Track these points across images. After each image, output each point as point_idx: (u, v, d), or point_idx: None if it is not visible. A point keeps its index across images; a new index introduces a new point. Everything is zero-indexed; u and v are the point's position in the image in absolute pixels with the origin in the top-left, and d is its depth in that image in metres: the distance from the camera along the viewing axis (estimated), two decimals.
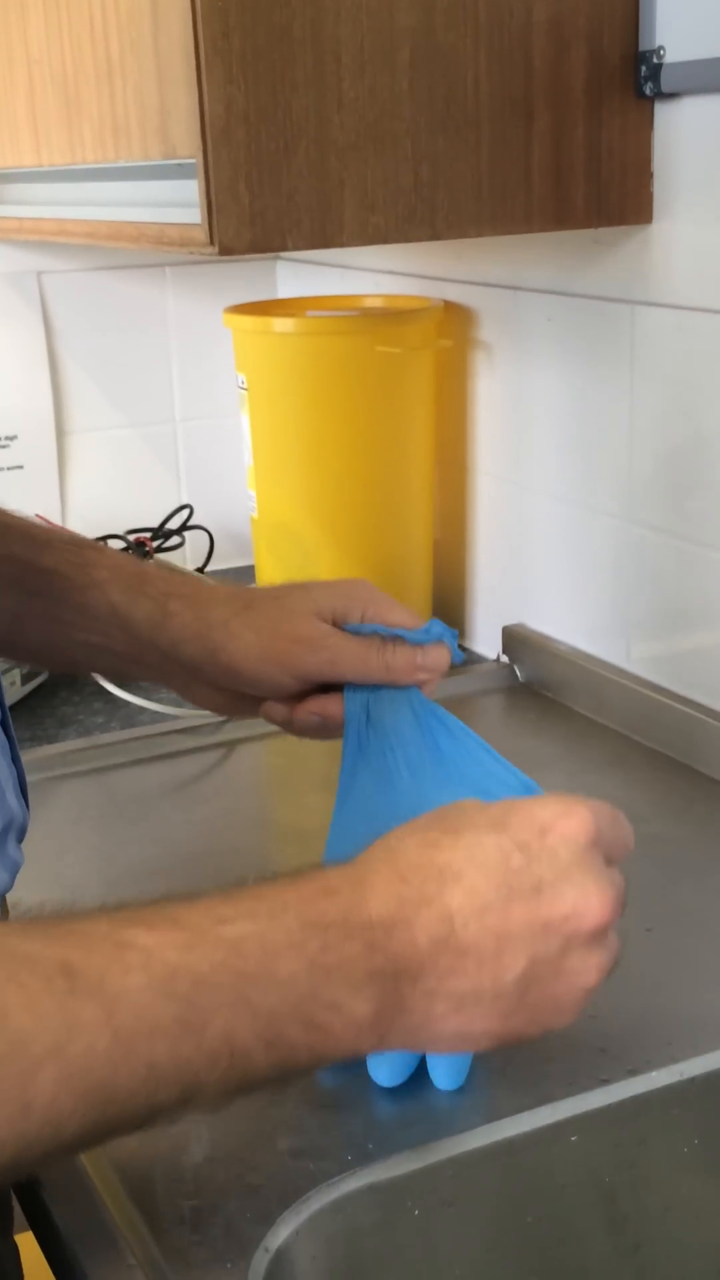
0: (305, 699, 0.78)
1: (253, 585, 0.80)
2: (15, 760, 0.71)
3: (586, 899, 0.57)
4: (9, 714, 0.71)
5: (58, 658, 0.81)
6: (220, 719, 1.18)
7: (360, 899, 0.54)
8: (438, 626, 0.78)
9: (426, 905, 0.55)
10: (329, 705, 0.78)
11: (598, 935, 0.57)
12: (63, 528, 0.83)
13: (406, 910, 0.55)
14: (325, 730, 0.79)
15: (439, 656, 0.78)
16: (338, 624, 0.77)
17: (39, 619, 0.79)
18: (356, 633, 0.77)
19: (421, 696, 0.78)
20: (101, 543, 0.81)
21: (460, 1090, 0.70)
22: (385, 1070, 0.71)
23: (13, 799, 0.68)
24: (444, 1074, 0.71)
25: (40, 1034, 0.46)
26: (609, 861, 0.60)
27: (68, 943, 0.49)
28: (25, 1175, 0.49)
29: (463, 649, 1.36)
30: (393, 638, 0.76)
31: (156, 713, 1.19)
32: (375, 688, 0.77)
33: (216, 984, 0.50)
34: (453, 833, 0.58)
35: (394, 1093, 0.71)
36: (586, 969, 0.57)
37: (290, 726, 0.80)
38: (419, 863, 0.56)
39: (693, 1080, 0.71)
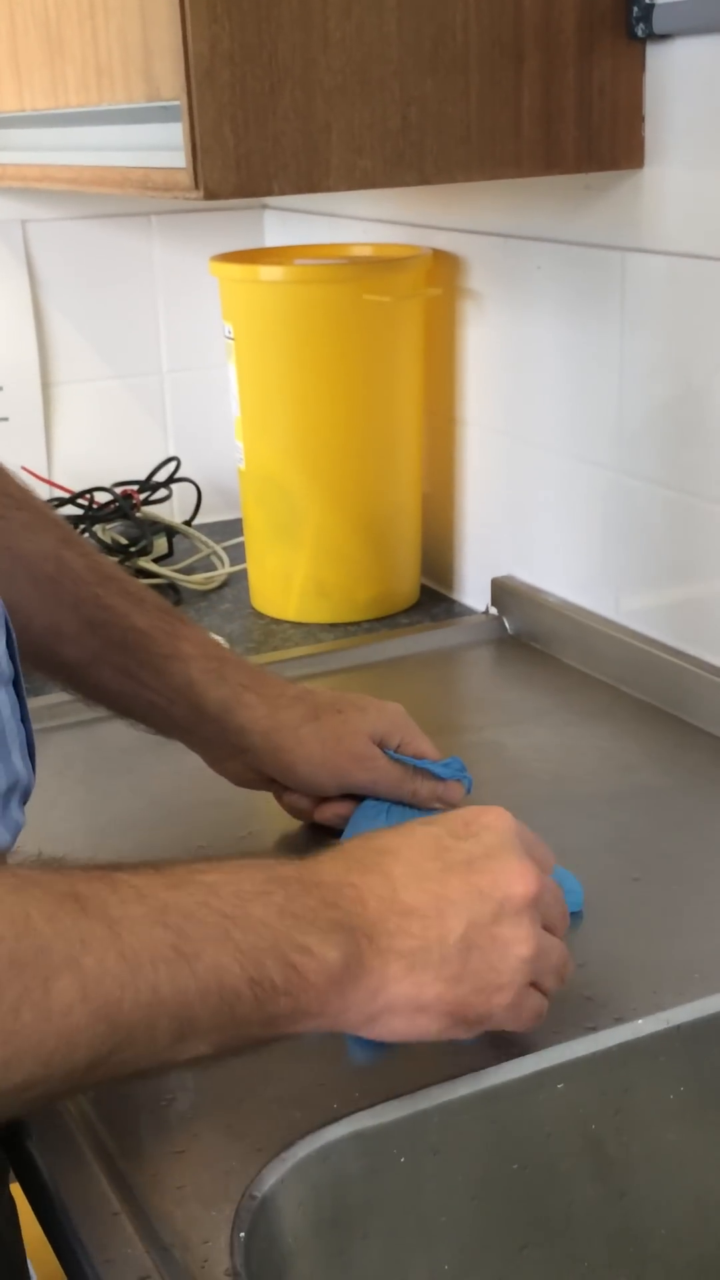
0: (330, 801, 0.88)
1: (309, 687, 0.90)
2: (25, 720, 0.71)
3: (512, 871, 0.62)
4: (21, 673, 0.71)
5: (115, 704, 0.87)
6: None
7: (310, 868, 0.60)
8: (457, 763, 0.89)
9: (369, 872, 0.60)
10: (345, 812, 0.88)
11: (526, 905, 0.62)
12: (154, 592, 0.89)
13: (352, 875, 0.60)
14: (341, 825, 0.88)
15: (455, 792, 0.88)
16: (381, 747, 0.86)
17: (113, 668, 0.84)
18: (393, 759, 0.87)
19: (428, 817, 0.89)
20: (183, 617, 0.90)
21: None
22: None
23: (18, 760, 0.68)
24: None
25: (58, 944, 0.49)
26: (530, 854, 0.64)
27: (71, 876, 0.52)
28: (36, 1108, 0.53)
29: (451, 600, 1.36)
30: (422, 769, 0.87)
31: None
32: (395, 803, 0.88)
33: (202, 919, 0.53)
34: (388, 830, 0.64)
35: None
36: (518, 938, 0.61)
37: (305, 817, 0.90)
38: (359, 845, 0.63)
39: (679, 1028, 0.71)
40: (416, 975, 0.58)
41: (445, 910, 0.59)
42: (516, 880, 0.61)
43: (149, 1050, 0.52)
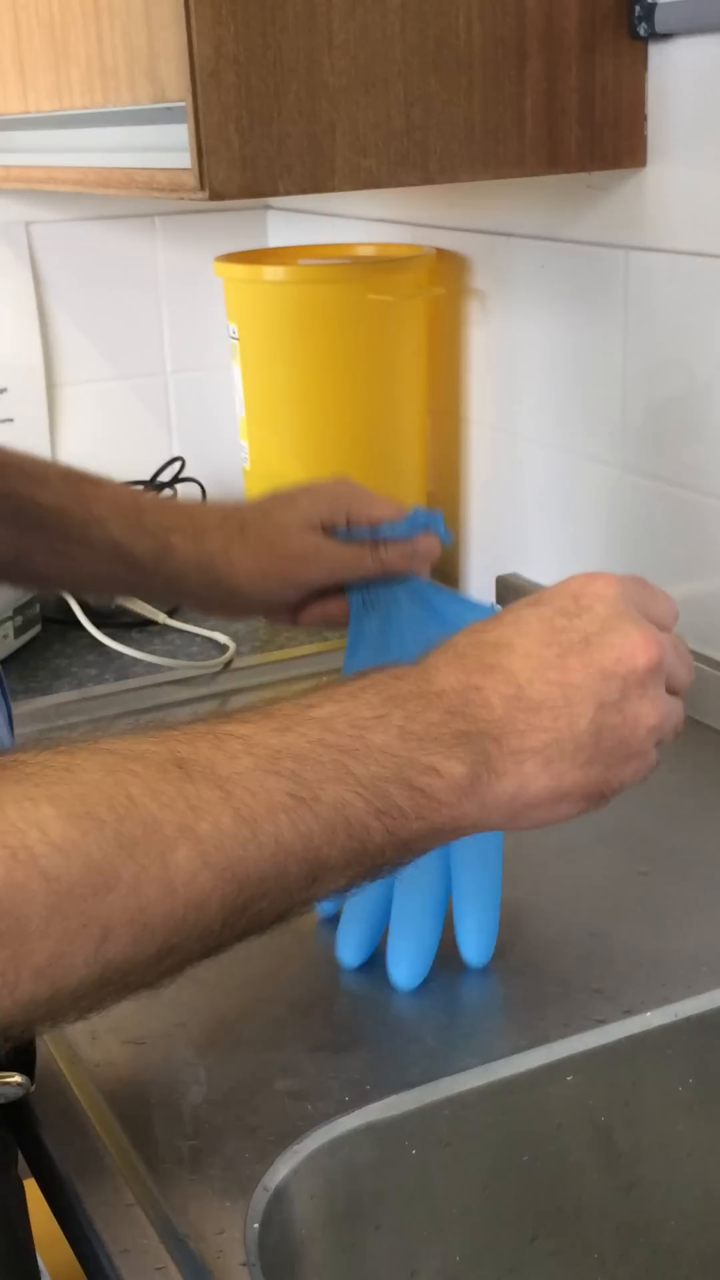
0: (308, 604, 0.82)
1: (240, 501, 0.85)
2: (10, 724, 0.71)
3: (631, 641, 0.59)
4: (4, 678, 0.71)
5: (67, 584, 0.85)
6: (214, 669, 1.19)
7: (428, 676, 0.57)
8: (422, 514, 0.81)
9: (490, 672, 0.57)
10: (330, 608, 0.82)
11: (651, 674, 0.59)
12: (57, 462, 0.87)
13: (474, 678, 0.57)
14: (332, 626, 0.83)
15: (430, 545, 0.82)
16: (327, 531, 0.80)
17: (43, 552, 0.82)
18: (348, 538, 0.80)
19: (419, 582, 0.82)
20: (96, 476, 0.86)
21: (457, 1030, 0.71)
22: (405, 970, 0.73)
23: (4, 729, 0.68)
24: (474, 948, 0.73)
25: (168, 816, 0.48)
26: (648, 615, 0.62)
27: (172, 739, 0.51)
28: (180, 972, 0.51)
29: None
30: (381, 537, 0.79)
31: (150, 664, 1.19)
32: (374, 581, 0.81)
33: (318, 759, 0.52)
34: (494, 620, 0.61)
35: (391, 1034, 0.71)
36: (646, 710, 0.59)
37: (297, 625, 0.84)
38: (471, 643, 0.59)
39: (687, 1020, 0.72)
40: (554, 767, 0.57)
41: (572, 698, 0.57)
42: (638, 651, 0.59)
43: (284, 897, 0.52)
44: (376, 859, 0.54)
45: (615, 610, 0.59)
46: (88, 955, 0.47)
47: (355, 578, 0.81)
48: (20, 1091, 0.65)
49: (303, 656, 1.22)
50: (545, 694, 0.57)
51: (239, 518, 0.82)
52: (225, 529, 0.82)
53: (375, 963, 0.76)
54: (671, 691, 0.62)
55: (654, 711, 0.59)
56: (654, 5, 0.97)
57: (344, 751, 0.53)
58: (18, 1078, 0.65)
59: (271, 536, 0.80)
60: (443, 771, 0.55)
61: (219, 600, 0.82)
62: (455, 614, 0.79)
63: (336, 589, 0.82)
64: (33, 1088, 0.66)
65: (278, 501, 0.83)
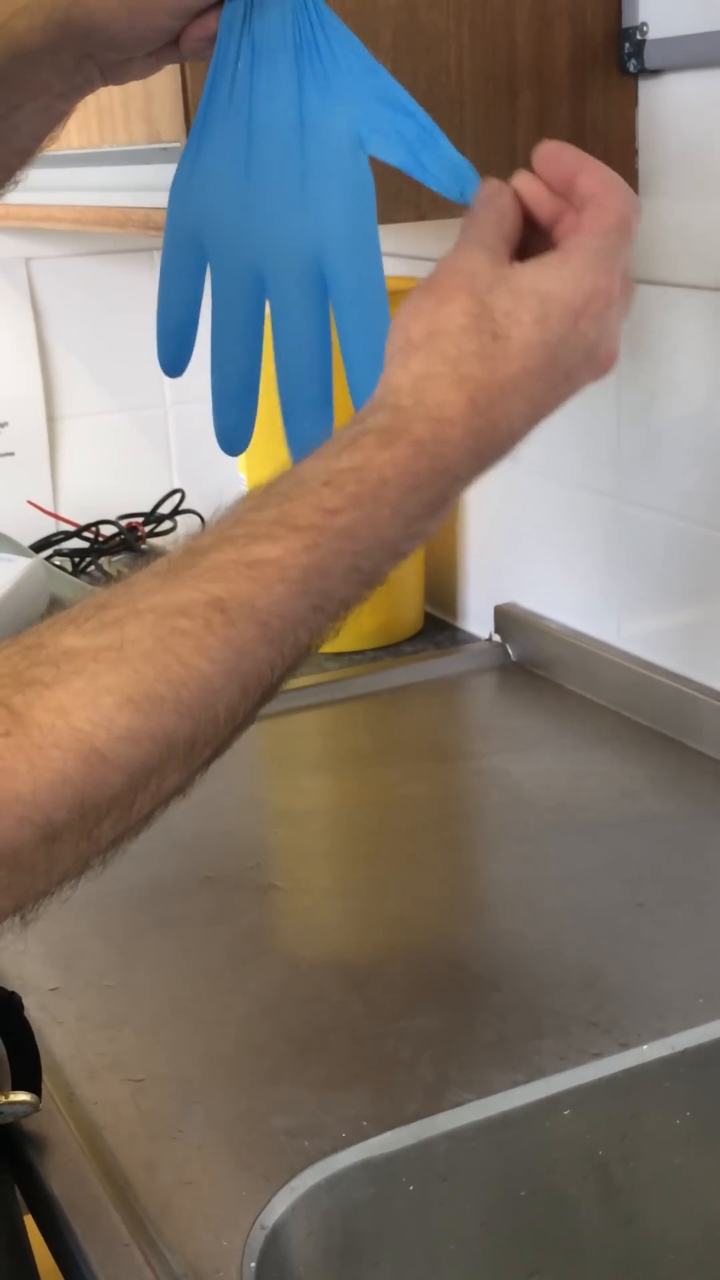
0: (189, 28, 0.70)
1: None
2: None
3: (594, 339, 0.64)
4: None
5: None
6: None
7: (441, 452, 0.58)
8: None
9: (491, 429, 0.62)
10: (211, 23, 0.70)
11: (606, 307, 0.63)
12: None
13: (479, 440, 0.61)
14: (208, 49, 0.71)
15: None
16: None
17: None
18: None
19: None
20: None
21: (453, 1065, 0.71)
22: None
23: None
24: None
25: (217, 669, 0.52)
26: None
27: (207, 581, 0.53)
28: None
29: (454, 628, 1.37)
30: None
31: None
32: None
33: (339, 570, 0.55)
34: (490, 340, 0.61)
35: (387, 1070, 0.71)
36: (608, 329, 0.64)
37: (180, 59, 0.73)
38: (482, 388, 0.61)
39: (684, 1053, 0.72)
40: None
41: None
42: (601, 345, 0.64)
43: (284, 677, 0.56)
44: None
45: (601, 323, 0.63)
46: (152, 795, 0.52)
47: None
48: (29, 1109, 0.66)
49: (301, 688, 1.22)
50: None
51: None
52: None
53: (373, 992, 0.76)
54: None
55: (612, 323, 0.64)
56: (643, 41, 0.98)
57: (358, 555, 0.56)
58: (27, 1096, 0.65)
59: None
60: (426, 533, 0.58)
61: (84, 50, 0.68)
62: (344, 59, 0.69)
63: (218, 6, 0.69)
64: (40, 1105, 0.66)
65: None
